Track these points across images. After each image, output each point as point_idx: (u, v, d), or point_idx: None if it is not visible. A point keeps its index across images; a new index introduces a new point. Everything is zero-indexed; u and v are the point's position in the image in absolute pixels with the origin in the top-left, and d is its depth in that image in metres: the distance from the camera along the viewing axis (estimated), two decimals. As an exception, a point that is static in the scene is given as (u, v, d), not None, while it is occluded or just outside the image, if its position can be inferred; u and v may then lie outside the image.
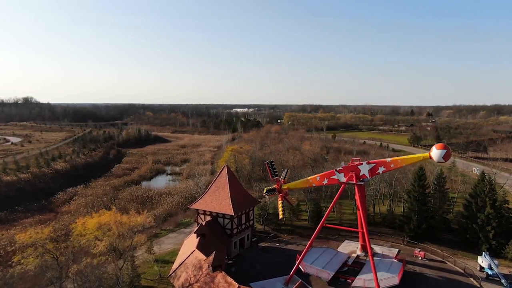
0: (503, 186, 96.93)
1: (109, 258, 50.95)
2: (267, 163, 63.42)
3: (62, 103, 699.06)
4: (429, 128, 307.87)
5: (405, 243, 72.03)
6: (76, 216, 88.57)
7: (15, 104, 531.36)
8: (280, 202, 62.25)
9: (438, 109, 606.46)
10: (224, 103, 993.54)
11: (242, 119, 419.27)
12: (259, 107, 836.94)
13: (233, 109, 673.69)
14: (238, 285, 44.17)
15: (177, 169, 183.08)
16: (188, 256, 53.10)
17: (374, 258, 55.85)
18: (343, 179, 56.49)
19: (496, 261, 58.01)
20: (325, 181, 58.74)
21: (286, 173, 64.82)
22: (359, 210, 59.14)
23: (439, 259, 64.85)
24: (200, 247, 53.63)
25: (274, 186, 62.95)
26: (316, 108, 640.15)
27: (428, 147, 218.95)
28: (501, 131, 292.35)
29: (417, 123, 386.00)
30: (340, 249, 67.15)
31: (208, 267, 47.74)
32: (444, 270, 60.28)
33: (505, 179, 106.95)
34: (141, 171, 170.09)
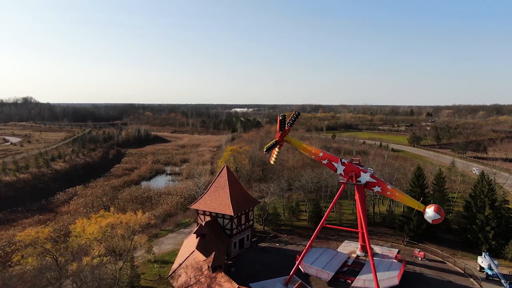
0: (503, 186, 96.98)
1: (109, 259, 50.86)
2: (279, 116, 57.71)
3: (61, 103, 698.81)
4: (428, 128, 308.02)
5: (405, 243, 72.01)
6: (76, 217, 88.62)
7: (14, 104, 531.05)
8: (277, 150, 59.06)
9: (437, 109, 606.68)
10: (224, 103, 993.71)
11: (241, 119, 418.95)
12: (258, 107, 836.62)
13: (233, 109, 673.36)
14: (237, 285, 44.11)
15: (176, 169, 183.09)
16: (188, 257, 53.05)
17: (374, 258, 55.86)
18: (341, 172, 56.24)
19: (496, 261, 57.98)
20: (325, 161, 57.37)
21: (296, 116, 58.19)
22: (358, 210, 59.11)
23: (439, 259, 64.81)
24: (199, 247, 53.58)
25: (274, 140, 58.07)
26: (315, 108, 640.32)
27: (428, 147, 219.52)
28: (500, 131, 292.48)
29: (416, 123, 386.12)
30: (340, 249, 67.12)
31: (208, 267, 47.69)
32: (444, 270, 60.23)
33: (505, 179, 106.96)
34: (141, 171, 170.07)
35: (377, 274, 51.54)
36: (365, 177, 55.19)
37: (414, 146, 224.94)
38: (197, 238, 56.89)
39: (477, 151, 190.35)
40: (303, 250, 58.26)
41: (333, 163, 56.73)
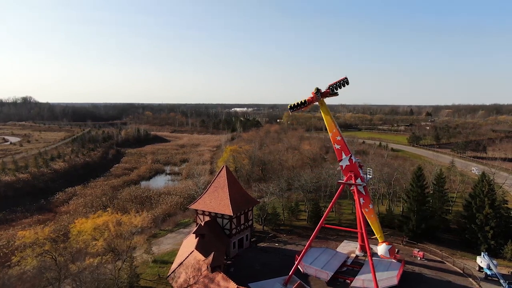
0: (502, 186, 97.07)
1: (108, 259, 50.91)
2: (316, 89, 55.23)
3: (61, 103, 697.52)
4: (428, 128, 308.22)
5: (404, 243, 72.06)
6: (75, 216, 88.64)
7: (14, 103, 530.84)
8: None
9: (437, 109, 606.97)
10: (224, 103, 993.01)
11: (241, 118, 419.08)
12: (258, 106, 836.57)
13: (232, 109, 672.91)
14: (236, 285, 44.16)
15: (176, 169, 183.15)
16: (187, 257, 53.07)
17: (373, 258, 55.88)
18: (346, 164, 56.81)
19: (494, 261, 58.08)
20: (337, 146, 56.97)
21: (343, 83, 55.46)
22: (357, 210, 59.20)
23: (438, 259, 64.87)
24: (199, 247, 53.60)
25: (304, 100, 55.81)
26: (315, 108, 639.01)
27: (427, 147, 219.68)
28: (500, 130, 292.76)
29: (416, 123, 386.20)
30: (339, 249, 67.17)
31: (207, 267, 47.72)
32: (443, 270, 60.28)
33: (504, 178, 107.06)
34: (140, 171, 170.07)
35: (376, 274, 51.58)
36: (359, 187, 57.01)
37: (413, 146, 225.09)
38: (196, 238, 56.92)
39: (476, 150, 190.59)
40: (302, 250, 58.33)
41: (343, 153, 56.83)
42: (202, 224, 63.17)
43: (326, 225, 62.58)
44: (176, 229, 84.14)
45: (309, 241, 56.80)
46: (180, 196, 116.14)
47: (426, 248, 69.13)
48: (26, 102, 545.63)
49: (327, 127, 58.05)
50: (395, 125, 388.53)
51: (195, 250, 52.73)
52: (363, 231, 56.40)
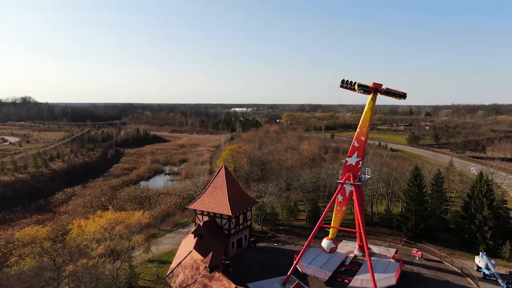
0: (500, 186, 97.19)
1: (107, 259, 50.94)
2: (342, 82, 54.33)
3: (60, 103, 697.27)
4: (427, 128, 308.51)
5: (403, 243, 72.15)
6: (74, 217, 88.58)
7: (13, 103, 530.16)
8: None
9: (436, 109, 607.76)
10: (223, 103, 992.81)
11: (240, 118, 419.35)
12: (258, 106, 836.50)
13: (232, 109, 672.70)
14: (235, 285, 44.22)
15: (175, 169, 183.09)
16: (186, 257, 53.16)
17: (372, 258, 55.99)
18: (353, 163, 57.24)
19: (493, 261, 58.17)
20: (356, 144, 57.96)
21: (399, 94, 54.17)
22: (356, 210, 59.30)
23: (437, 259, 64.98)
24: (197, 247, 53.66)
25: (365, 84, 54.52)
26: (314, 108, 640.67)
27: (426, 146, 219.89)
28: (499, 130, 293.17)
29: (415, 123, 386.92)
30: (337, 249, 67.12)
31: (206, 267, 47.80)
32: (442, 270, 60.40)
33: (503, 178, 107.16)
34: (140, 171, 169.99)
35: (375, 274, 51.66)
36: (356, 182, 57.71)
37: (413, 146, 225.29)
38: (195, 238, 56.98)
39: (475, 150, 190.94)
40: (301, 250, 58.37)
41: (357, 153, 57.20)
42: (201, 224, 63.21)
43: (325, 225, 62.69)
44: (175, 229, 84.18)
45: (307, 241, 56.85)
46: (179, 196, 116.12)
47: (424, 248, 69.22)
48: (26, 102, 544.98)
49: (361, 121, 57.58)
50: (395, 125, 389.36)
51: (194, 250, 52.81)
52: (362, 231, 56.51)
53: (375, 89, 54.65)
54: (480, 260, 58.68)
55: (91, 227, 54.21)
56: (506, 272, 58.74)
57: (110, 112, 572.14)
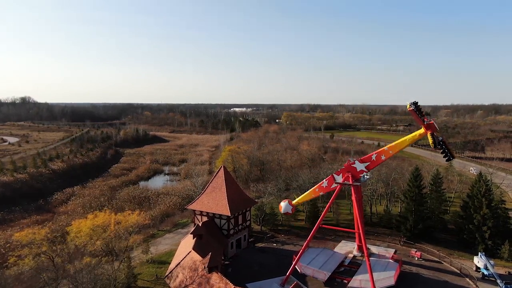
0: (499, 186, 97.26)
1: (105, 259, 50.94)
2: (413, 103, 49.41)
3: (60, 103, 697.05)
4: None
5: (402, 243, 72.17)
6: (74, 217, 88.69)
7: (12, 103, 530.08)
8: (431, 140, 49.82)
9: (436, 109, 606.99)
10: (223, 103, 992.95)
11: (240, 118, 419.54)
12: (257, 106, 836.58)
13: (232, 109, 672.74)
14: (234, 285, 44.23)
15: (175, 169, 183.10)
16: (185, 257, 53.14)
17: (371, 258, 56.03)
18: (363, 168, 56.35)
19: (492, 261, 58.19)
20: (373, 157, 55.43)
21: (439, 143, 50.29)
22: (355, 210, 59.34)
23: (435, 259, 65.01)
24: (196, 247, 53.65)
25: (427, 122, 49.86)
26: (314, 108, 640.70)
27: (426, 147, 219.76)
28: (498, 130, 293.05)
29: (415, 123, 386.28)
30: (337, 249, 67.24)
31: (204, 268, 47.80)
32: (440, 270, 60.42)
33: (502, 178, 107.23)
34: (139, 171, 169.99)
35: (374, 274, 51.71)
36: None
37: (412, 146, 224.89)
38: (194, 238, 56.96)
39: (475, 150, 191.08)
40: (300, 250, 58.37)
41: (368, 164, 56.12)
42: (200, 225, 63.20)
43: (324, 225, 62.73)
44: (174, 230, 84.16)
45: (306, 241, 56.85)
46: (178, 196, 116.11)
47: (423, 248, 69.26)
48: (25, 102, 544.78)
49: (394, 145, 54.57)
50: (394, 125, 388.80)
51: (193, 251, 52.80)
52: (361, 231, 56.54)
53: (430, 127, 50.28)
54: (479, 260, 58.71)
55: (87, 224, 54.48)
56: (505, 272, 58.74)
57: (110, 112, 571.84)
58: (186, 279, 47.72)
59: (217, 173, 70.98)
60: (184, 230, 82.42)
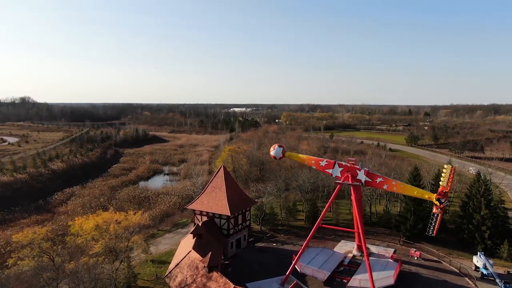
0: (498, 186, 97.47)
1: (106, 259, 51.01)
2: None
3: (59, 103, 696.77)
4: (426, 128, 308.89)
5: (401, 243, 72.35)
6: (73, 217, 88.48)
7: (12, 104, 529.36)
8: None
9: (435, 109, 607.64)
10: (222, 103, 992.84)
11: (240, 118, 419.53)
12: (257, 106, 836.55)
13: (231, 109, 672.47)
14: (234, 285, 44.36)
15: (174, 169, 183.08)
16: (185, 257, 53.23)
17: (370, 258, 56.20)
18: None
19: (491, 261, 58.37)
20: (378, 180, 55.63)
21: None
22: (355, 210, 59.47)
23: (435, 259, 65.21)
24: (196, 247, 53.76)
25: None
26: (314, 108, 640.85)
27: (425, 146, 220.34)
28: (498, 130, 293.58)
29: (414, 123, 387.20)
30: (336, 249, 67.41)
31: (204, 267, 47.92)
32: (440, 270, 60.62)
33: (501, 178, 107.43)
34: (139, 171, 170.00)
35: (373, 273, 51.89)
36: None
37: (411, 146, 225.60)
38: (194, 238, 57.06)
39: (474, 150, 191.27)
40: (299, 250, 58.52)
41: (369, 182, 56.00)
42: (200, 224, 63.32)
43: (324, 225, 62.87)
44: (174, 229, 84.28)
45: (306, 241, 56.99)
46: (178, 196, 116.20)
47: (423, 247, 69.45)
48: (25, 102, 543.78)
49: (403, 187, 55.67)
50: (394, 125, 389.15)
51: (193, 250, 52.90)
52: (360, 231, 56.72)
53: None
54: (478, 260, 58.90)
55: (89, 225, 54.48)
56: (504, 271, 58.95)
57: (109, 112, 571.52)
58: (186, 278, 47.84)
59: (217, 173, 71.12)
60: (184, 230, 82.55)
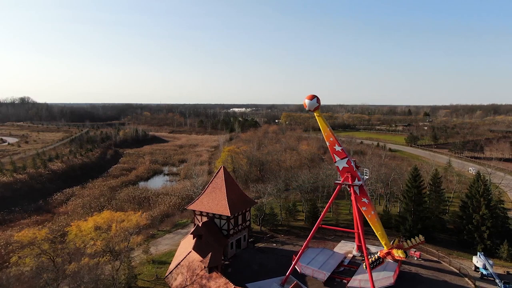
0: (498, 186, 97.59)
1: (106, 259, 51.05)
2: None
3: (59, 103, 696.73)
4: (426, 128, 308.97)
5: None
6: (73, 217, 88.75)
7: (12, 104, 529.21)
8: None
9: (435, 109, 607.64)
10: (222, 103, 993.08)
11: (239, 119, 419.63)
12: (256, 107, 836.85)
13: (231, 109, 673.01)
14: (234, 285, 44.45)
15: (174, 169, 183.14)
16: (185, 257, 53.31)
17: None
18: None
19: (490, 261, 58.45)
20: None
21: None
22: (354, 210, 59.52)
23: (435, 259, 65.25)
24: (196, 248, 53.84)
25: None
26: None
27: (425, 147, 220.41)
28: (497, 130, 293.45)
29: (414, 123, 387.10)
30: (336, 249, 67.47)
31: (204, 268, 47.99)
32: (439, 270, 60.65)
33: (501, 178, 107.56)
34: (138, 171, 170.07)
35: (373, 274, 51.97)
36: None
37: (411, 146, 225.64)
38: (194, 238, 57.16)
39: (474, 151, 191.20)
40: (299, 250, 58.58)
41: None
42: (200, 225, 63.36)
43: (324, 226, 62.96)
44: (174, 230, 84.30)
45: (306, 241, 57.07)
46: (178, 196, 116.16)
47: (422, 248, 69.37)
48: (24, 103, 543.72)
49: (374, 226, 58.33)
50: (393, 125, 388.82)
51: (193, 251, 52.98)
52: (360, 231, 56.80)
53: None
54: (478, 260, 58.95)
55: (88, 225, 54.56)
56: (504, 272, 59.03)
57: (109, 112, 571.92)
58: (186, 279, 47.91)
59: (217, 173, 71.14)
60: (184, 230, 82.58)
